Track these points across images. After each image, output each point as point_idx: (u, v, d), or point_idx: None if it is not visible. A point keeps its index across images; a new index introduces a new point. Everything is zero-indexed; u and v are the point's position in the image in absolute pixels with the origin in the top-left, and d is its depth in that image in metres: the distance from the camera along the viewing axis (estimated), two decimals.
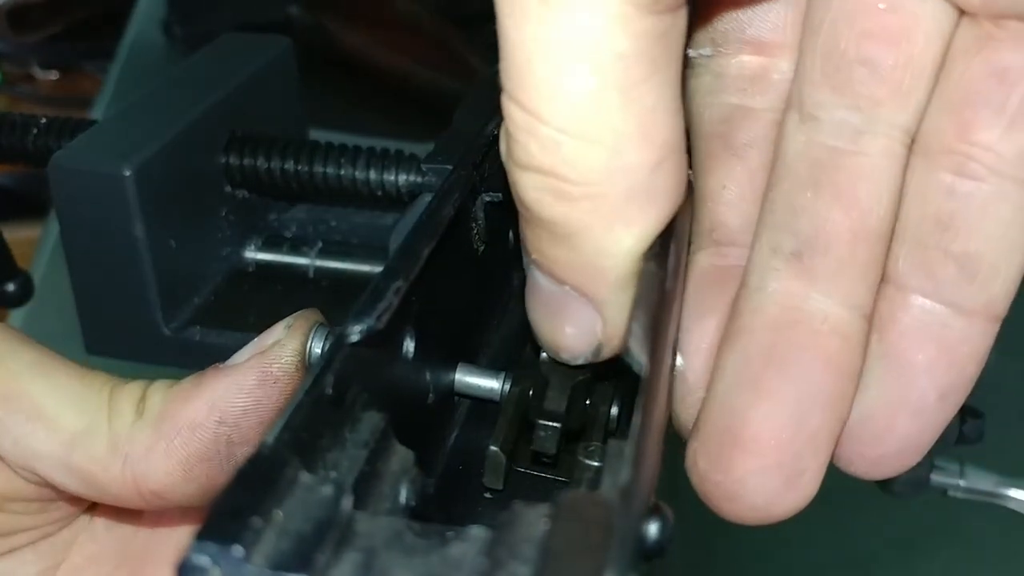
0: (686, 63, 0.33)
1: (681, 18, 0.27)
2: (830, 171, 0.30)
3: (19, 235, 1.08)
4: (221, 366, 0.35)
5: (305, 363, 0.34)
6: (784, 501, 0.30)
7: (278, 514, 0.22)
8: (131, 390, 0.35)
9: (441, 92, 1.17)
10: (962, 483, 0.56)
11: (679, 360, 0.33)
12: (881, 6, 0.29)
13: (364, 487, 0.24)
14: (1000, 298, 0.30)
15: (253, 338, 0.48)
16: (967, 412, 0.53)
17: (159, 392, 0.35)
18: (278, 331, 0.35)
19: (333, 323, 0.48)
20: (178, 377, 0.55)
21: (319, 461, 0.24)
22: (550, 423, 0.32)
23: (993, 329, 0.31)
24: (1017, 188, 0.29)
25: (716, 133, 0.33)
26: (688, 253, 0.34)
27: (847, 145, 0.30)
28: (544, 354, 0.34)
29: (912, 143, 0.30)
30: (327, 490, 0.23)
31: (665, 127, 0.27)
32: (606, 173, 0.27)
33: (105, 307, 0.48)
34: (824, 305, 0.30)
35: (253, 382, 0.34)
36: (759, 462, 0.30)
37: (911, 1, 0.29)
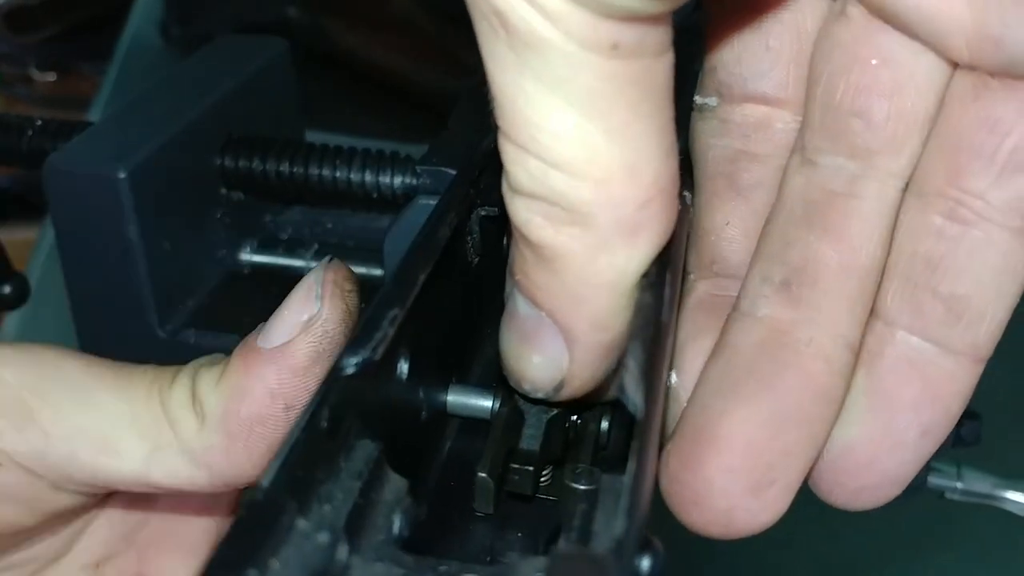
0: (693, 107, 0.35)
1: (660, 65, 0.27)
2: (824, 210, 0.31)
3: (15, 237, 1.08)
4: (262, 348, 0.34)
5: (351, 327, 0.34)
6: (749, 510, 0.30)
7: (274, 563, 0.22)
8: (179, 394, 0.35)
9: (438, 92, 1.17)
10: (959, 485, 0.56)
11: (673, 378, 0.34)
12: (874, 62, 0.30)
13: (358, 519, 0.24)
14: (985, 341, 0.31)
15: None
16: (964, 415, 0.53)
17: (210, 390, 0.34)
18: (310, 302, 0.34)
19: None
20: None
21: (314, 497, 0.24)
22: (524, 466, 0.32)
23: (977, 370, 0.32)
24: (1005, 236, 0.30)
25: (722, 173, 0.34)
26: (687, 280, 0.35)
27: (842, 188, 0.31)
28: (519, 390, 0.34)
29: (907, 185, 0.31)
30: (323, 537, 0.23)
31: (653, 167, 0.28)
32: (593, 206, 0.27)
33: (100, 309, 0.48)
34: (809, 331, 0.31)
35: (307, 363, 0.33)
36: (728, 461, 0.30)
37: (905, 55, 0.30)
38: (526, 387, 0.31)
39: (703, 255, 0.35)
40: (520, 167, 0.28)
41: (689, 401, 0.32)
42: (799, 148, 0.32)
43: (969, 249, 0.30)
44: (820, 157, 0.31)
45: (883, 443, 0.32)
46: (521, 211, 0.28)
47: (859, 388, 0.32)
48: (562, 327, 0.30)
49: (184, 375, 0.35)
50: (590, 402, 0.33)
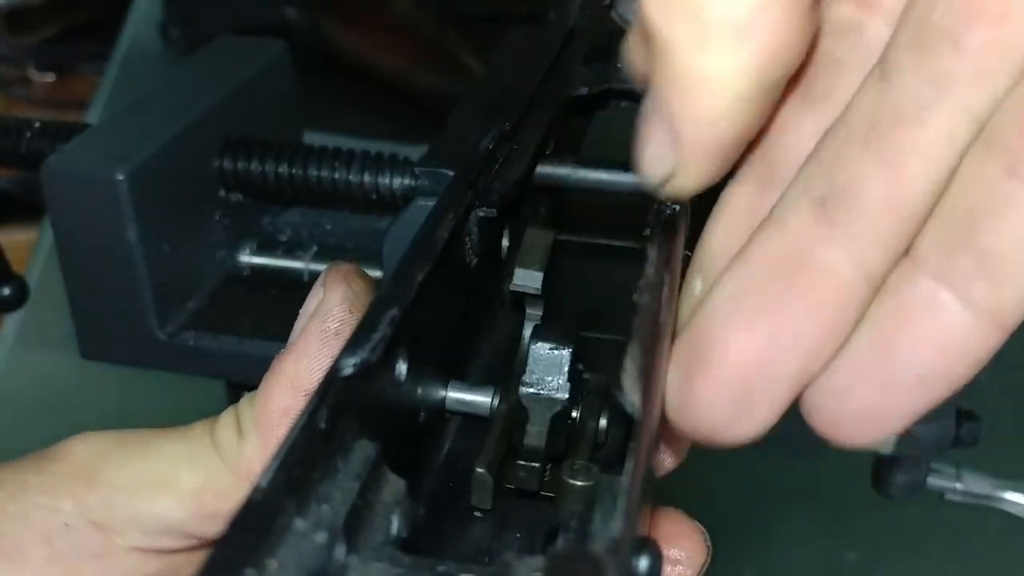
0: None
1: None
2: (885, 134, 0.30)
3: (14, 238, 1.08)
4: (282, 350, 0.36)
5: (355, 305, 0.35)
6: (729, 421, 0.30)
7: (272, 564, 0.22)
8: (225, 420, 0.36)
9: (437, 94, 1.17)
10: (959, 486, 0.57)
11: (698, 283, 0.33)
12: None
13: (356, 520, 0.24)
14: (1012, 308, 0.29)
15: (248, 343, 0.49)
16: (963, 415, 0.53)
17: (247, 405, 0.36)
18: (317, 293, 0.36)
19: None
20: (173, 380, 0.55)
21: (312, 497, 0.24)
22: (530, 463, 0.32)
23: (995, 336, 0.30)
24: None
25: (799, 73, 0.33)
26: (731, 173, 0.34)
27: (911, 114, 0.30)
28: (523, 388, 0.34)
29: (980, 129, 0.29)
30: (320, 537, 0.23)
31: None
32: None
33: (99, 311, 0.48)
34: (832, 257, 0.30)
35: (317, 345, 0.35)
36: (717, 374, 0.29)
37: None
38: (643, 176, 0.31)
39: (755, 153, 0.33)
40: None
41: (702, 302, 0.31)
42: (881, 61, 0.31)
43: (1019, 209, 0.29)
44: (897, 75, 0.30)
45: (867, 376, 0.30)
46: (647, 2, 0.28)
47: (867, 319, 0.30)
48: (668, 119, 0.30)
49: (232, 406, 0.36)
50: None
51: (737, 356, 0.29)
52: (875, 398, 0.30)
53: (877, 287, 0.30)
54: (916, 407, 0.30)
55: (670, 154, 0.30)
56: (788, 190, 0.31)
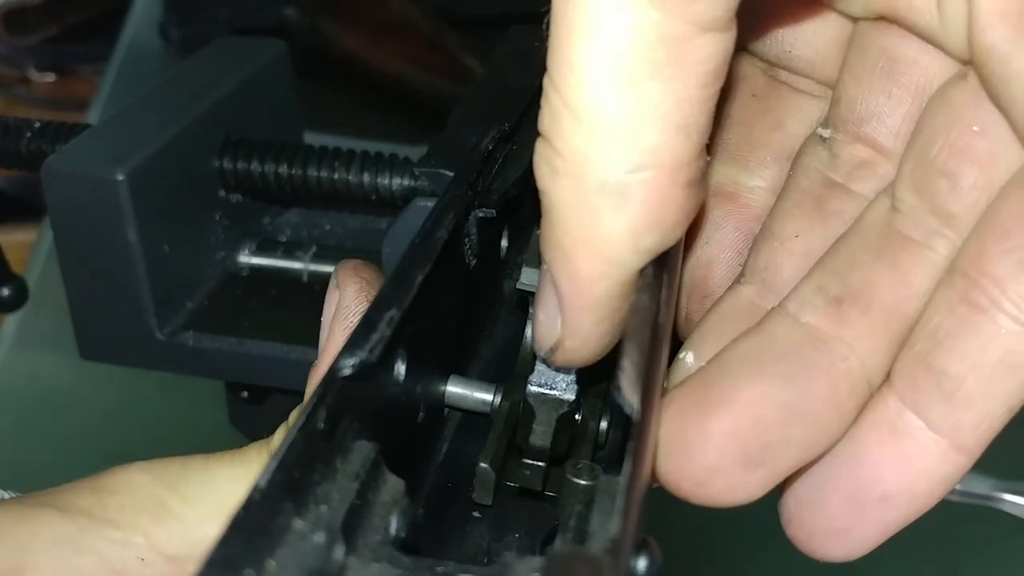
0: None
1: (707, 40, 0.27)
2: (896, 247, 0.31)
3: (14, 239, 1.08)
4: (315, 360, 0.36)
5: (371, 295, 0.35)
6: (730, 480, 0.30)
7: (271, 564, 0.22)
8: (278, 436, 0.36)
9: (437, 95, 1.17)
10: (958, 487, 0.56)
11: (689, 357, 0.34)
12: (975, 128, 0.30)
13: (355, 520, 0.25)
14: (969, 430, 0.30)
15: (247, 343, 0.49)
16: None
17: (296, 415, 0.36)
18: (332, 295, 0.36)
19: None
20: (173, 380, 0.55)
21: (311, 498, 0.24)
22: (535, 462, 0.33)
23: (957, 461, 0.31)
24: (1014, 330, 0.29)
25: (813, 192, 0.35)
26: (736, 281, 0.35)
27: (919, 238, 0.31)
28: (530, 387, 0.34)
29: None
30: (319, 538, 0.23)
31: (655, 136, 0.27)
32: (586, 155, 0.27)
33: (99, 311, 0.48)
34: (847, 350, 0.31)
35: (342, 343, 0.35)
36: (733, 424, 0.30)
37: (1004, 132, 0.30)
38: (534, 342, 0.32)
39: (760, 258, 0.35)
40: (546, 105, 0.28)
41: (710, 361, 0.32)
42: (890, 192, 0.32)
43: (973, 333, 0.30)
44: (904, 207, 0.32)
45: (838, 489, 0.31)
46: (537, 153, 0.29)
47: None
48: (554, 283, 0.30)
49: (284, 423, 0.37)
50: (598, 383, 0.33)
51: (760, 408, 0.30)
52: (842, 513, 0.31)
53: (874, 391, 0.31)
54: (883, 526, 0.31)
55: (556, 319, 0.30)
56: (800, 287, 0.32)
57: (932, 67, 0.32)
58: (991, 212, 0.30)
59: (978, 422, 0.30)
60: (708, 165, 0.31)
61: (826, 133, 0.35)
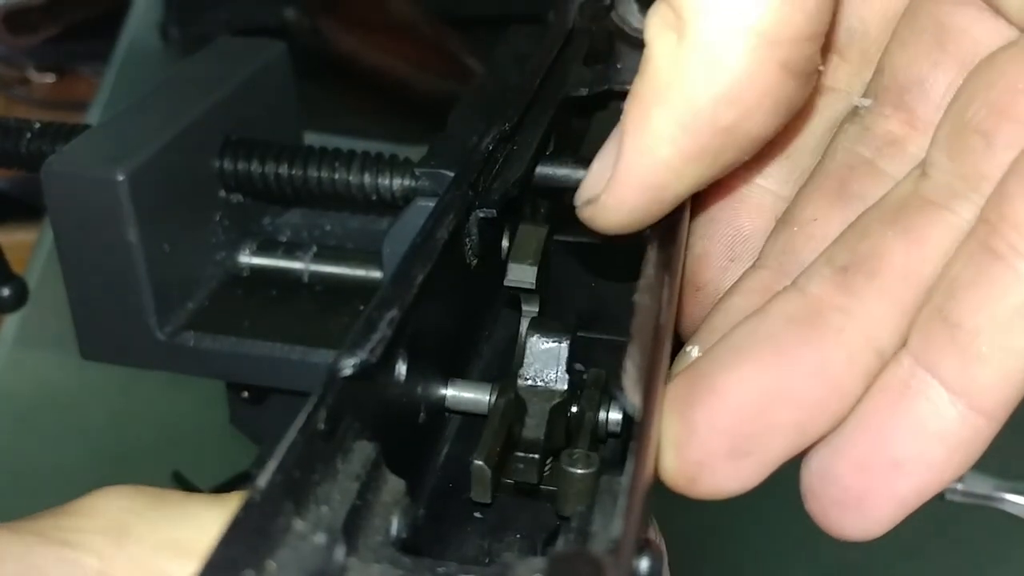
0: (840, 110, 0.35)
1: None
2: (912, 213, 0.30)
3: (14, 239, 1.08)
4: None
5: None
6: (718, 473, 0.29)
7: (271, 565, 0.22)
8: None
9: (437, 95, 1.17)
10: (959, 486, 0.57)
11: (695, 352, 0.33)
12: (1021, 85, 0.29)
13: (356, 521, 0.25)
14: (984, 388, 0.28)
15: (248, 343, 0.49)
16: None
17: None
18: None
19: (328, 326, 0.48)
20: (173, 381, 0.55)
21: (311, 498, 0.24)
22: (529, 454, 0.32)
23: (975, 423, 0.29)
24: None
25: (837, 175, 0.34)
26: (754, 264, 0.35)
27: (941, 201, 0.30)
28: (520, 381, 0.34)
29: None
30: (320, 538, 0.23)
31: (762, 2, 0.27)
32: (696, 12, 0.28)
33: (99, 312, 0.48)
34: (846, 322, 0.30)
35: None
36: (714, 418, 0.29)
37: None
38: (575, 197, 0.32)
39: (778, 241, 0.34)
40: None
41: (707, 350, 0.31)
42: (914, 173, 0.32)
43: (990, 281, 0.28)
44: (934, 171, 0.30)
45: (852, 458, 0.30)
46: (652, 7, 0.29)
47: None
48: (621, 135, 0.29)
49: None
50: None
51: (739, 397, 0.29)
52: (853, 483, 0.30)
53: (886, 360, 0.30)
54: (898, 499, 0.29)
55: (607, 173, 0.30)
56: (812, 264, 0.32)
57: (982, 38, 0.31)
58: (1019, 160, 0.28)
59: (995, 379, 0.28)
60: (819, 75, 0.30)
61: (865, 102, 0.34)
